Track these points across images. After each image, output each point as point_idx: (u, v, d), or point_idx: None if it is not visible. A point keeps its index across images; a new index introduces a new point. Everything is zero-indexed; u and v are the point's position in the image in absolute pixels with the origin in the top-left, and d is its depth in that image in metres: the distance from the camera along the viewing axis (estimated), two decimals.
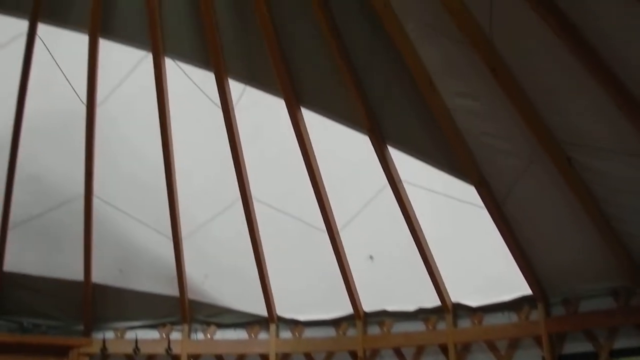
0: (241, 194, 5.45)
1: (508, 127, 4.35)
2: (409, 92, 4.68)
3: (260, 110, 5.25)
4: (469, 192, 4.87)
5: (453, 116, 4.60)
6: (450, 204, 5.05)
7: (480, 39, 3.93)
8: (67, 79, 5.23)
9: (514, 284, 5.07)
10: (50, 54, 5.13)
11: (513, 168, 4.58)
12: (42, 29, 5.08)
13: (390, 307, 5.65)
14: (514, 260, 4.94)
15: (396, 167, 5.00)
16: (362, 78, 4.79)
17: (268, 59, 4.93)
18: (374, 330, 5.71)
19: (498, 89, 4.07)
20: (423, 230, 5.16)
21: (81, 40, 5.12)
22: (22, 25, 5.04)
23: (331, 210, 5.33)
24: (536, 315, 5.04)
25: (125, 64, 5.23)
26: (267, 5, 4.72)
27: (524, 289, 5.06)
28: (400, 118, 4.89)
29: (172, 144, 5.37)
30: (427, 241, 5.21)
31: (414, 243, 5.19)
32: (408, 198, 5.08)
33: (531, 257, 4.93)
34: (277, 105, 5.10)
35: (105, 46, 5.14)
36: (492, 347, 5.25)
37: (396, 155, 4.98)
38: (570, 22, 3.25)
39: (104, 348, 4.86)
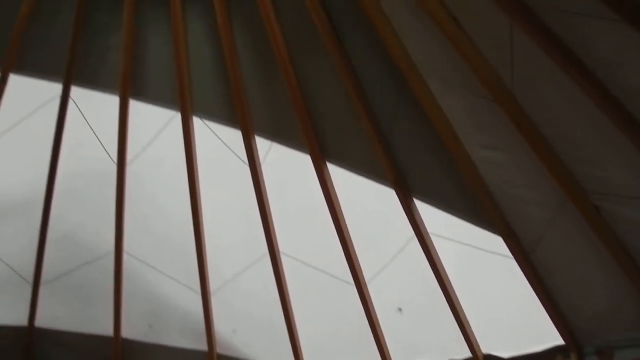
0: (269, 249, 5.50)
1: (534, 177, 4.35)
2: (433, 145, 4.72)
3: (287, 166, 5.33)
4: (496, 243, 4.86)
5: (478, 168, 4.61)
6: (477, 254, 5.03)
7: (502, 93, 3.99)
8: (98, 139, 5.40)
9: (545, 334, 4.99)
10: (83, 115, 5.31)
11: (541, 218, 4.56)
12: (75, 91, 5.27)
13: (420, 359, 5.60)
14: (544, 310, 4.88)
15: (422, 219, 5.01)
16: (386, 133, 4.84)
17: (293, 116, 5.03)
18: None
19: (522, 140, 4.10)
20: (451, 281, 5.14)
21: (112, 101, 5.29)
22: (56, 88, 5.24)
23: (358, 263, 5.34)
24: None
25: (155, 123, 5.38)
26: (292, 63, 4.88)
27: (556, 339, 4.97)
28: (424, 170, 4.92)
29: (200, 200, 5.47)
30: (456, 292, 5.17)
31: (442, 294, 5.16)
32: (435, 249, 5.07)
33: (562, 306, 4.86)
34: (303, 161, 5.17)
35: (135, 107, 5.31)
36: None
37: (422, 207, 5.01)
38: (594, 75, 3.30)
39: None
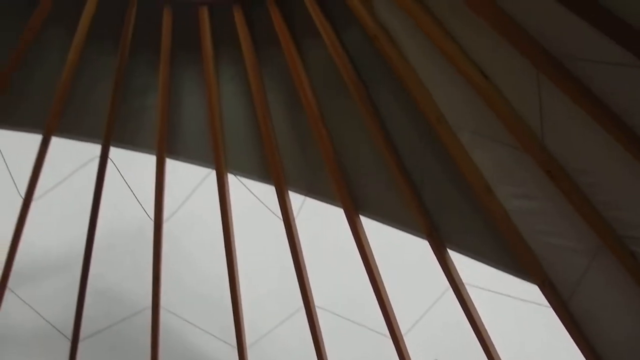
0: (304, 302, 5.52)
1: (568, 224, 4.34)
2: (465, 195, 4.75)
3: (320, 219, 5.40)
4: (532, 291, 4.82)
5: (511, 217, 4.62)
6: (514, 303, 5.00)
7: (532, 143, 4.03)
8: (136, 198, 5.54)
9: None
10: (121, 174, 5.47)
11: (577, 264, 4.52)
12: (113, 151, 5.46)
13: None
14: (583, 358, 4.81)
15: (457, 269, 5.01)
16: (418, 184, 4.89)
17: (325, 170, 5.13)
18: None
19: (555, 189, 4.12)
20: (488, 331, 5.10)
21: (149, 160, 5.46)
22: (95, 149, 5.43)
23: (394, 314, 5.33)
24: None
25: (191, 181, 5.51)
26: (322, 118, 5.01)
27: None
28: (458, 221, 4.93)
29: (235, 255, 5.55)
30: (493, 342, 5.12)
31: (479, 344, 5.12)
32: (471, 300, 5.04)
33: (602, 354, 4.79)
34: (336, 214, 5.23)
35: (172, 165, 5.46)
36: None
37: (456, 257, 5.01)
38: (622, 121, 3.34)
39: None
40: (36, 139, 5.36)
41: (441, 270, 5.02)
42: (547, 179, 4.09)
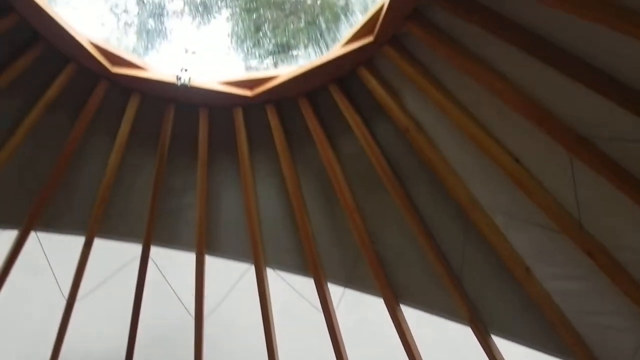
0: None
1: (613, 303, 4.28)
2: (505, 278, 4.73)
3: (361, 310, 5.40)
4: None
5: (553, 299, 4.59)
6: None
7: (569, 223, 4.05)
8: (176, 295, 5.61)
9: None
10: (162, 273, 5.57)
11: (625, 345, 4.44)
12: (154, 250, 5.58)
13: None
14: None
15: (502, 354, 4.93)
16: (456, 270, 4.90)
17: (363, 260, 5.17)
18: None
19: (596, 268, 4.10)
20: None
21: (189, 257, 5.55)
22: (136, 249, 5.56)
23: None
24: None
25: (230, 277, 5.58)
26: (357, 208, 5.10)
27: None
28: (499, 305, 4.90)
29: (276, 349, 5.52)
30: None
31: None
32: None
33: None
34: (376, 304, 5.22)
35: (211, 261, 5.55)
36: None
37: (500, 342, 4.94)
38: None
39: None
40: (79, 240, 5.50)
41: (486, 357, 4.95)
42: (588, 259, 4.09)
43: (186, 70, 4.67)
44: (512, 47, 3.81)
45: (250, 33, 13.23)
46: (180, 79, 4.63)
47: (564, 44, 3.60)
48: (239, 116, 5.04)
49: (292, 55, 12.11)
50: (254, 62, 13.02)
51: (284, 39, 12.06)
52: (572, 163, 3.90)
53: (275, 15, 12.37)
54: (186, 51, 4.93)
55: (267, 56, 12.48)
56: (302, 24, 11.73)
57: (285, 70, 4.84)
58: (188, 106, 5.06)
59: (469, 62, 4.09)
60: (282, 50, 12.05)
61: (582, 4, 3.17)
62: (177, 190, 5.47)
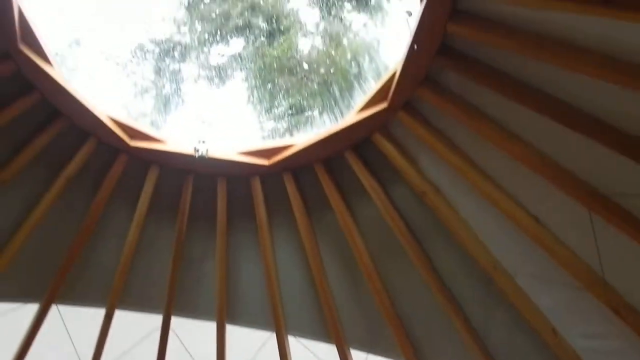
0: None
1: None
2: (531, 340, 4.65)
3: None
4: None
5: (582, 358, 4.49)
6: None
7: (593, 281, 3.99)
8: None
9: None
10: (183, 344, 5.53)
11: None
12: (174, 320, 5.54)
13: None
14: None
15: None
16: (480, 332, 4.82)
17: (385, 324, 5.11)
18: None
19: (624, 326, 4.03)
20: None
21: (209, 326, 5.51)
22: (157, 319, 5.53)
23: None
24: None
25: (252, 345, 5.53)
26: (377, 272, 5.07)
27: None
28: None
29: None
30: None
31: None
32: None
33: None
34: None
35: (232, 330, 5.51)
36: None
37: None
38: None
39: None
40: (99, 312, 5.49)
41: None
42: (614, 316, 4.02)
43: (204, 142, 4.74)
44: (524, 107, 3.87)
45: (265, 96, 13.48)
46: (198, 150, 4.71)
47: (577, 102, 3.65)
48: (256, 185, 5.09)
49: (306, 116, 12.31)
50: (269, 124, 13.24)
51: (298, 102, 12.27)
52: (592, 219, 3.88)
53: (288, 80, 12.61)
54: (203, 122, 5.01)
55: (282, 117, 12.68)
56: (315, 87, 11.96)
57: (301, 138, 4.90)
58: (206, 176, 5.11)
59: (483, 125, 4.14)
60: (297, 112, 12.24)
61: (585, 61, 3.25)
62: (196, 260, 5.48)
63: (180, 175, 5.12)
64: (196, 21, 15.27)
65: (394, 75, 4.42)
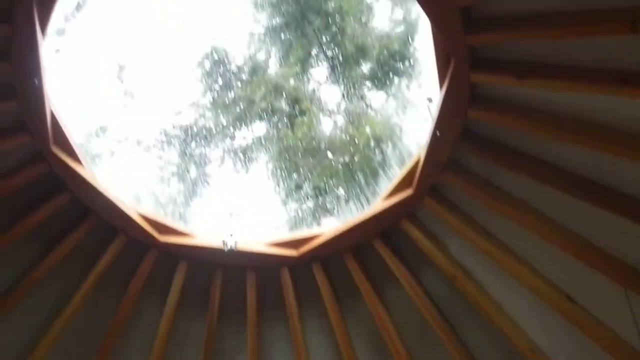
0: None
1: None
2: None
3: None
4: None
5: None
6: None
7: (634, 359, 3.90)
8: None
9: None
10: None
11: None
12: None
13: None
14: None
15: None
16: None
17: None
18: None
19: None
20: None
21: None
22: None
23: None
24: None
25: None
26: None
27: None
28: None
29: None
30: None
31: None
32: None
33: None
34: None
35: None
36: None
37: None
38: None
39: None
40: None
41: None
42: None
43: (231, 235, 4.78)
44: (548, 186, 3.88)
45: (288, 178, 13.63)
46: (226, 244, 4.73)
47: (602, 179, 3.66)
48: (286, 276, 5.08)
49: (330, 198, 12.40)
50: (293, 205, 13.33)
51: (322, 183, 12.39)
52: (628, 296, 3.81)
53: (310, 161, 12.78)
54: (230, 215, 5.07)
55: (306, 200, 12.77)
56: (339, 167, 12.10)
57: (328, 227, 4.92)
58: (235, 269, 5.11)
59: (510, 207, 4.15)
60: (320, 194, 12.34)
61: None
62: (228, 353, 5.39)
63: (210, 268, 5.13)
64: (220, 106, 15.67)
65: (418, 161, 4.46)
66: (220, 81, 16.06)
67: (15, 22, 3.79)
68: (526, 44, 3.67)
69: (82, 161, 4.73)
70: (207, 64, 16.30)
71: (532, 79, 3.62)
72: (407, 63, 12.99)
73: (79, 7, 15.39)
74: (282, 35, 16.05)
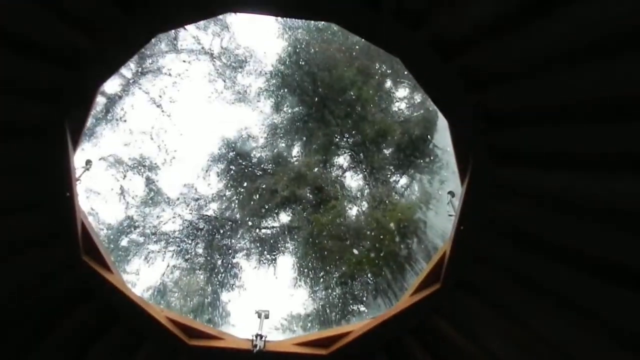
0: None
1: None
2: None
3: None
4: None
5: None
6: None
7: None
8: None
9: None
10: None
11: None
12: None
13: None
14: None
15: None
16: None
17: None
18: None
19: None
20: None
21: None
22: None
23: None
24: None
25: None
26: None
27: None
28: None
29: None
30: None
31: None
32: None
33: None
34: None
35: None
36: None
37: None
38: None
39: None
40: None
41: None
42: None
43: (260, 336, 4.75)
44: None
45: (315, 267, 13.60)
46: (256, 346, 4.69)
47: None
48: None
49: (358, 285, 12.32)
50: (321, 294, 13.24)
51: (349, 270, 12.34)
52: None
53: (336, 247, 12.77)
54: (259, 316, 5.03)
55: (334, 289, 12.70)
56: (364, 254, 12.08)
57: (357, 325, 4.86)
58: None
59: (538, 295, 4.09)
60: (347, 282, 12.28)
61: None
62: None
63: None
64: (244, 197, 15.87)
65: (444, 255, 4.46)
66: (243, 172, 16.36)
67: (47, 138, 3.95)
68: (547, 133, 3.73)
69: (112, 268, 4.80)
70: (230, 156, 16.66)
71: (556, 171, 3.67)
72: (427, 159, 13.16)
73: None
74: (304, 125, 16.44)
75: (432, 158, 13.01)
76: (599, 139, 3.45)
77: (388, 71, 16.70)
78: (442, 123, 4.74)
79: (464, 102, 3.78)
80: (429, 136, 13.21)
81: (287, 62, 16.65)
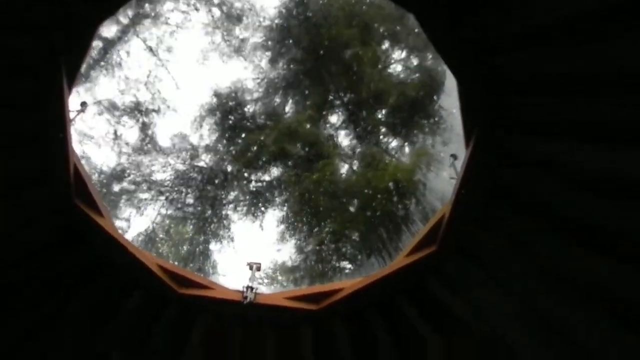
0: None
1: None
2: None
3: None
4: None
5: None
6: None
7: None
8: None
9: None
10: None
11: None
12: None
13: None
14: None
15: None
16: None
17: None
18: None
19: None
20: None
21: None
22: None
23: None
24: None
25: None
26: None
27: None
28: None
29: None
30: None
31: None
32: None
33: None
34: None
35: None
36: None
37: None
38: None
39: None
40: None
41: None
42: None
43: (252, 289, 4.70)
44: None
45: (305, 222, 13.58)
46: (246, 298, 4.65)
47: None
48: (306, 331, 4.96)
49: (345, 243, 12.31)
50: (312, 248, 13.25)
51: (340, 227, 12.32)
52: None
53: (328, 204, 12.73)
54: (250, 267, 4.98)
55: (327, 245, 12.69)
56: (359, 212, 12.04)
57: (350, 283, 4.83)
58: (255, 325, 5.01)
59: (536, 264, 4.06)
60: (337, 239, 12.26)
61: None
62: None
63: (229, 323, 5.03)
64: (234, 150, 15.74)
65: (442, 217, 4.40)
66: (236, 125, 16.21)
67: (42, 77, 3.83)
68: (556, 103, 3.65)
69: (104, 213, 4.72)
70: (223, 108, 16.48)
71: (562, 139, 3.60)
72: (431, 120, 13.04)
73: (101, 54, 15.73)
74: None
75: (436, 119, 12.89)
76: (606, 110, 3.39)
77: (385, 33, 16.48)
78: (450, 85, 4.63)
79: (476, 65, 3.69)
80: (435, 97, 13.06)
81: (286, 16, 16.38)
